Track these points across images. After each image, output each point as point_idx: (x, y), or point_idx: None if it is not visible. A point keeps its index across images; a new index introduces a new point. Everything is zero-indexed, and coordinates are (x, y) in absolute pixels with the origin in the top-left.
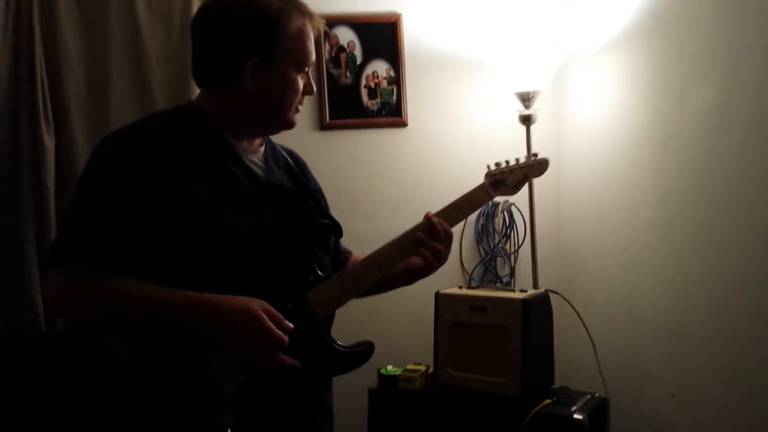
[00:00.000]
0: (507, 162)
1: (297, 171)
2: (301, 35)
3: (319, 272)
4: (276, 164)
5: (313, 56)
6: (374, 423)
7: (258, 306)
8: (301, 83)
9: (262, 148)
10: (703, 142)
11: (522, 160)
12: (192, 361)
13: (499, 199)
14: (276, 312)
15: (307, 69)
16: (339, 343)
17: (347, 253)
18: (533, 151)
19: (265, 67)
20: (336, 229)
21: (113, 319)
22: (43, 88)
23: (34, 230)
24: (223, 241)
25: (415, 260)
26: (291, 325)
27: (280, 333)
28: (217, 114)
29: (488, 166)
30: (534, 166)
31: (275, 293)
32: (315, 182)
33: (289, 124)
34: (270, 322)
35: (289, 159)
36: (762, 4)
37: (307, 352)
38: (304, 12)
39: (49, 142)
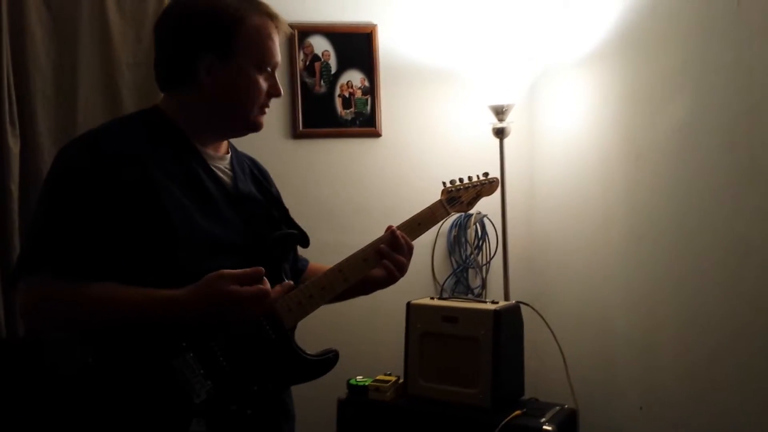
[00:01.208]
0: (461, 180)
1: (261, 179)
2: (261, 34)
3: (287, 281)
4: (242, 172)
5: (277, 57)
6: None
7: (222, 284)
8: (264, 84)
9: (229, 155)
10: (676, 157)
11: (475, 178)
12: (161, 368)
13: (471, 210)
14: (238, 272)
15: (269, 69)
16: (305, 350)
17: (305, 261)
18: (506, 164)
19: (223, 64)
20: (303, 239)
21: (92, 325)
22: (9, 89)
23: None
24: (196, 244)
25: (376, 271)
26: (260, 268)
27: (258, 288)
28: (180, 117)
29: (444, 183)
30: (486, 186)
31: None
32: (277, 190)
33: (253, 126)
34: (244, 290)
35: (252, 167)
36: (734, 22)
37: (275, 359)
38: (265, 12)
39: (14, 144)
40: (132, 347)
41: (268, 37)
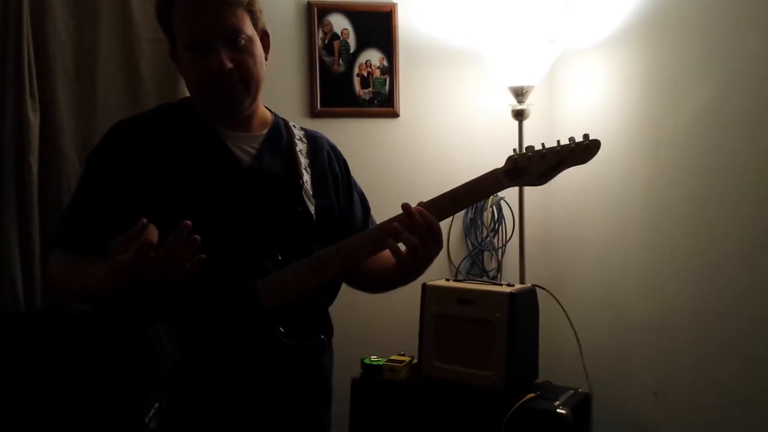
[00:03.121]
0: (543, 145)
1: (299, 158)
2: (183, 17)
3: (280, 258)
4: (272, 151)
5: (197, 29)
6: (356, 413)
7: (112, 259)
8: (201, 64)
9: (264, 132)
10: (697, 144)
11: (564, 142)
12: (134, 335)
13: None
14: (122, 238)
15: (198, 45)
16: (285, 334)
17: None
18: (525, 146)
19: (176, 53)
20: (306, 218)
21: (79, 296)
22: (29, 62)
23: (15, 208)
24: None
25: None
26: (141, 221)
27: (135, 248)
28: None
29: (514, 150)
30: (576, 150)
31: (232, 277)
32: (325, 169)
33: (219, 109)
34: (126, 256)
35: (300, 143)
36: (759, 7)
37: (248, 339)
38: None
39: (34, 118)
40: (119, 314)
41: (186, 18)
